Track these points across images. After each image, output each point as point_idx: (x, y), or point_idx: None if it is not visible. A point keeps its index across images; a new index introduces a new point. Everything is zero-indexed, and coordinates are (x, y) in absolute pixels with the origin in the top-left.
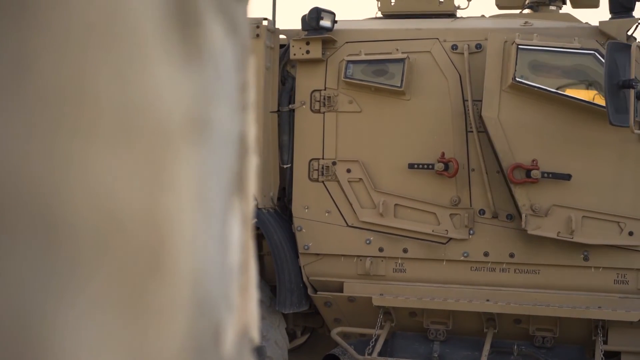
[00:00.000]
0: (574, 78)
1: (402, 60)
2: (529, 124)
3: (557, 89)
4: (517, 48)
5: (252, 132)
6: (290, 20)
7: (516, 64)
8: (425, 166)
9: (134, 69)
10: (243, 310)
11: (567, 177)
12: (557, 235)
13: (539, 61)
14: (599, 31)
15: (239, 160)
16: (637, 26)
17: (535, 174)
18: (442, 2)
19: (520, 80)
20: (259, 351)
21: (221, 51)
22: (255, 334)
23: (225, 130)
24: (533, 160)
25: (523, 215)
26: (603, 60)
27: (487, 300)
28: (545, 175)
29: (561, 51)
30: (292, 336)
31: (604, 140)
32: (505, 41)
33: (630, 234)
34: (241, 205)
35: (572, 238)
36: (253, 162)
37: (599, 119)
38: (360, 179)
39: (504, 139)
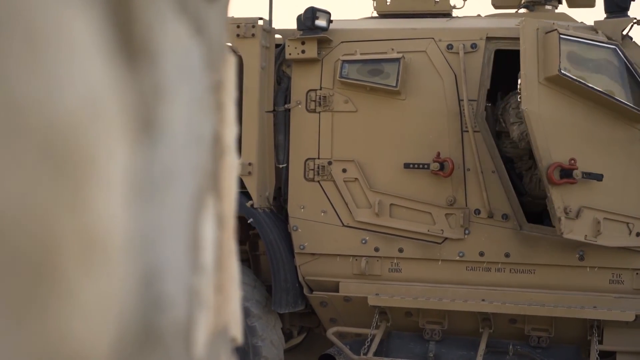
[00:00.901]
0: (597, 72)
1: (397, 59)
2: (564, 120)
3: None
4: (560, 38)
5: (231, 132)
6: (286, 19)
7: (560, 54)
8: (421, 166)
9: (32, 66)
10: (221, 310)
11: (600, 177)
12: (585, 239)
13: (576, 53)
14: (594, 31)
15: (213, 160)
16: (632, 26)
17: (576, 174)
18: (437, 1)
19: (565, 73)
20: (254, 351)
21: (186, 51)
22: (237, 334)
23: (191, 130)
24: (571, 160)
25: (561, 219)
26: (622, 55)
27: (483, 300)
28: (584, 175)
29: (592, 44)
30: (288, 336)
31: (625, 139)
32: (537, 28)
33: (638, 234)
34: (216, 205)
35: (597, 241)
36: (232, 162)
37: (618, 117)
38: (356, 178)
39: (543, 135)
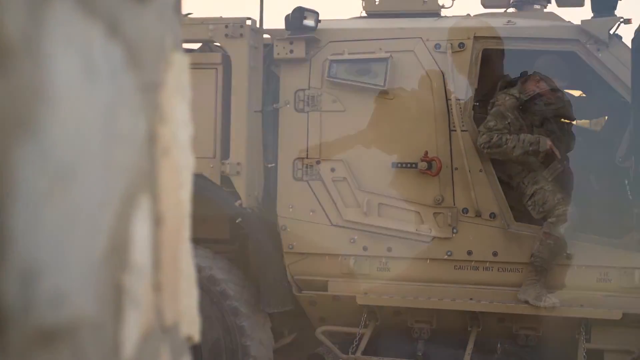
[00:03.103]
0: None
1: (385, 59)
2: None
3: None
4: None
5: (182, 132)
6: (276, 19)
7: None
8: (409, 165)
9: None
10: (163, 308)
11: None
12: None
13: None
14: (582, 30)
15: (149, 160)
16: (619, 25)
17: None
18: (426, 1)
19: None
20: (243, 350)
21: (99, 51)
22: (193, 332)
23: (108, 129)
24: None
25: None
26: None
27: (471, 299)
28: None
29: None
30: (279, 335)
31: None
32: None
33: None
34: (153, 204)
35: None
36: (179, 162)
37: None
38: (344, 178)
39: None
